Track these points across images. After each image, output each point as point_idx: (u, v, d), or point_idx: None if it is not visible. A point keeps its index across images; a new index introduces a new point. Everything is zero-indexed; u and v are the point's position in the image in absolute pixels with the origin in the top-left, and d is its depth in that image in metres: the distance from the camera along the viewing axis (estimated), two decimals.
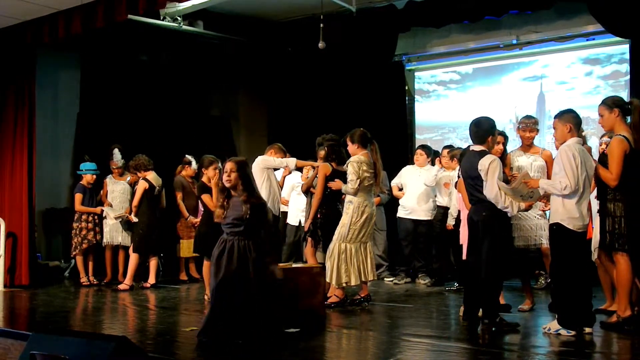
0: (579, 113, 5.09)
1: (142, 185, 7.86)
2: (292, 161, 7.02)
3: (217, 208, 4.99)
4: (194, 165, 8.39)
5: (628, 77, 8.04)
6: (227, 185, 4.91)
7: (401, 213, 8.14)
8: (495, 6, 8.16)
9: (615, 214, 5.02)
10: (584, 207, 4.84)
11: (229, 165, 4.93)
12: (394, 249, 8.46)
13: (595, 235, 5.53)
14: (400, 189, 8.20)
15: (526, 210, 5.39)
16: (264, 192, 6.89)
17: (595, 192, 5.36)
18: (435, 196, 7.87)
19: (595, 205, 5.56)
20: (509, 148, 6.42)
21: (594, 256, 5.66)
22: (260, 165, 6.91)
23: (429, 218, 7.95)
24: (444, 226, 7.44)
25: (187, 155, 8.52)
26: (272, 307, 4.86)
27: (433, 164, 8.13)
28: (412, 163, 8.36)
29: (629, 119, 5.09)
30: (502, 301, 5.51)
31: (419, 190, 7.97)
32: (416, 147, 8.53)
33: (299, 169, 7.97)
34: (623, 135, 4.95)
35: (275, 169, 7.26)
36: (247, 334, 4.68)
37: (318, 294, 5.73)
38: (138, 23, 7.82)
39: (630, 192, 4.98)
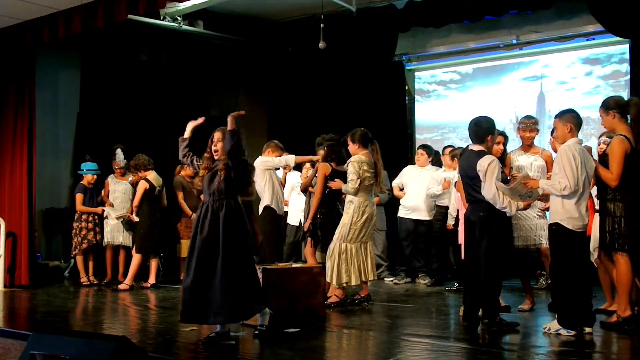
0: (579, 113, 5.09)
1: (142, 186, 7.86)
2: (291, 158, 7.02)
3: (201, 172, 4.90)
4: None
5: (628, 77, 8.03)
6: (215, 157, 4.87)
7: (402, 213, 8.14)
8: (495, 6, 8.15)
9: (615, 214, 5.02)
10: (583, 207, 4.84)
11: (216, 135, 4.90)
12: (394, 249, 8.45)
13: (594, 236, 5.53)
14: (401, 189, 8.20)
15: (524, 209, 5.39)
16: (267, 193, 6.89)
17: (595, 191, 5.36)
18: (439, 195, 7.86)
19: (596, 203, 5.56)
20: (509, 148, 6.42)
21: (593, 257, 5.66)
22: (260, 167, 6.91)
23: (430, 218, 7.95)
24: (444, 226, 7.44)
25: None
26: (252, 277, 4.78)
27: (434, 164, 8.14)
28: (413, 163, 8.36)
29: (629, 118, 5.10)
30: (501, 302, 5.52)
31: (420, 190, 7.96)
32: (417, 147, 8.51)
33: (299, 167, 7.97)
34: (624, 135, 4.95)
35: (276, 169, 7.26)
36: (228, 305, 4.61)
37: (318, 294, 5.74)
38: (138, 23, 7.82)
39: (631, 192, 4.98)
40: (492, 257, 5.08)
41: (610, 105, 5.07)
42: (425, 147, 8.25)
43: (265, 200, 6.91)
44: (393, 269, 8.46)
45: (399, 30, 8.96)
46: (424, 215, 7.99)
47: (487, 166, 5.04)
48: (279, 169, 7.40)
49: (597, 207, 5.48)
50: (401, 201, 8.15)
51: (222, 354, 4.55)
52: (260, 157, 7.13)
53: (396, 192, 8.21)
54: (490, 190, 5.01)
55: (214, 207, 4.73)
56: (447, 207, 7.43)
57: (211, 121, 10.69)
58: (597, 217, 5.41)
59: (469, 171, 5.21)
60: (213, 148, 4.89)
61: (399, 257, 8.39)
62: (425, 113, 9.71)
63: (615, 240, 5.00)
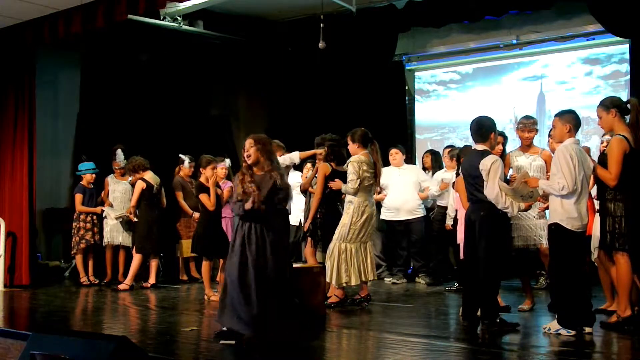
0: (579, 113, 5.10)
1: (139, 186, 7.85)
2: (295, 155, 7.02)
3: (240, 185, 4.82)
4: (187, 164, 8.38)
5: (628, 77, 8.04)
6: (249, 161, 4.86)
7: (387, 215, 8.09)
8: (495, 6, 8.15)
9: (615, 214, 5.01)
10: (582, 207, 4.84)
11: (247, 142, 4.89)
12: (392, 249, 8.42)
13: (595, 235, 5.53)
14: (378, 192, 8.13)
15: (526, 210, 5.40)
16: None
17: (594, 192, 5.36)
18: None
19: (596, 204, 5.57)
20: (509, 148, 6.42)
21: (594, 256, 5.67)
22: None
23: (417, 216, 7.96)
24: (443, 226, 7.44)
25: (180, 155, 8.51)
26: (291, 299, 4.84)
27: (434, 164, 8.14)
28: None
29: (627, 118, 5.09)
30: (501, 302, 5.52)
31: (402, 190, 7.96)
32: (390, 147, 8.21)
33: (300, 167, 7.96)
34: (623, 135, 4.95)
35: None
36: (273, 328, 4.66)
37: (318, 294, 5.74)
38: (138, 23, 7.81)
39: (631, 191, 4.98)
40: (491, 256, 5.08)
41: (613, 103, 5.07)
42: (399, 147, 8.22)
43: None
44: (391, 269, 8.44)
45: (399, 30, 8.97)
46: (409, 214, 7.97)
47: (490, 166, 5.04)
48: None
49: (597, 208, 5.49)
50: (384, 203, 8.07)
51: (221, 354, 4.55)
52: None
53: (375, 195, 8.11)
54: (493, 190, 5.01)
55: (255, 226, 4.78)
56: (446, 207, 7.43)
57: (211, 121, 10.79)
58: (597, 217, 5.41)
59: (472, 170, 5.21)
60: (245, 154, 4.88)
61: (396, 257, 8.36)
62: (425, 113, 9.71)
63: (616, 240, 5.00)
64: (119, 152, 8.50)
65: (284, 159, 6.99)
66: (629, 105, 5.06)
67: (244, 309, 4.63)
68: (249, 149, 4.86)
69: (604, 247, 5.19)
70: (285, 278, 4.79)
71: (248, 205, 4.72)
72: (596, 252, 5.62)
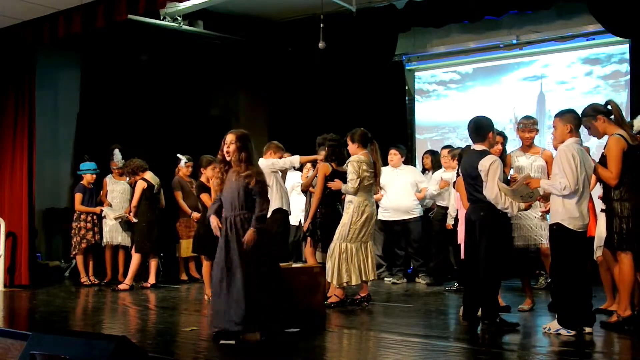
0: (580, 113, 5.09)
1: (140, 185, 7.86)
2: (295, 159, 7.01)
3: (215, 181, 4.91)
4: (182, 163, 8.40)
5: (628, 77, 8.04)
6: (227, 157, 4.84)
7: (384, 216, 8.07)
8: (495, 6, 8.15)
9: (622, 214, 4.99)
10: (584, 207, 4.84)
11: (229, 137, 4.85)
12: (391, 249, 8.43)
13: (598, 235, 5.53)
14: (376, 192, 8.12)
15: (526, 210, 5.40)
16: (276, 196, 6.83)
17: (596, 192, 5.36)
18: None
19: (598, 204, 5.56)
20: (509, 148, 6.42)
21: (595, 255, 5.66)
22: (266, 170, 6.86)
23: (415, 216, 7.96)
24: (443, 226, 7.44)
25: (178, 154, 8.51)
26: (276, 291, 4.84)
27: (434, 164, 8.14)
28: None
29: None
30: (501, 302, 5.52)
31: (399, 190, 7.96)
32: (390, 147, 8.21)
33: (300, 167, 7.97)
34: (619, 134, 4.96)
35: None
36: (256, 323, 4.68)
37: (318, 294, 5.75)
38: (138, 23, 7.82)
39: (637, 190, 4.97)
40: (491, 256, 5.08)
41: (597, 110, 5.08)
42: (398, 147, 8.21)
43: (275, 203, 6.78)
44: (391, 269, 8.44)
45: (399, 30, 8.96)
46: (407, 214, 7.97)
47: (488, 166, 5.04)
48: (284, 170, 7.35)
49: (599, 208, 5.49)
50: (381, 203, 8.03)
51: (221, 354, 4.54)
52: (261, 159, 7.09)
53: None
54: (492, 190, 5.01)
55: (235, 221, 4.79)
56: (446, 207, 7.43)
57: (211, 121, 10.79)
58: (601, 217, 5.41)
59: (471, 171, 5.21)
60: (225, 149, 4.85)
61: (396, 257, 8.36)
62: (425, 113, 9.70)
63: (624, 240, 4.98)
64: (117, 152, 8.52)
65: (284, 162, 6.98)
66: (609, 107, 5.07)
67: (233, 308, 4.66)
68: (230, 145, 4.83)
69: (610, 246, 5.18)
70: (272, 271, 4.82)
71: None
72: (598, 251, 5.61)
